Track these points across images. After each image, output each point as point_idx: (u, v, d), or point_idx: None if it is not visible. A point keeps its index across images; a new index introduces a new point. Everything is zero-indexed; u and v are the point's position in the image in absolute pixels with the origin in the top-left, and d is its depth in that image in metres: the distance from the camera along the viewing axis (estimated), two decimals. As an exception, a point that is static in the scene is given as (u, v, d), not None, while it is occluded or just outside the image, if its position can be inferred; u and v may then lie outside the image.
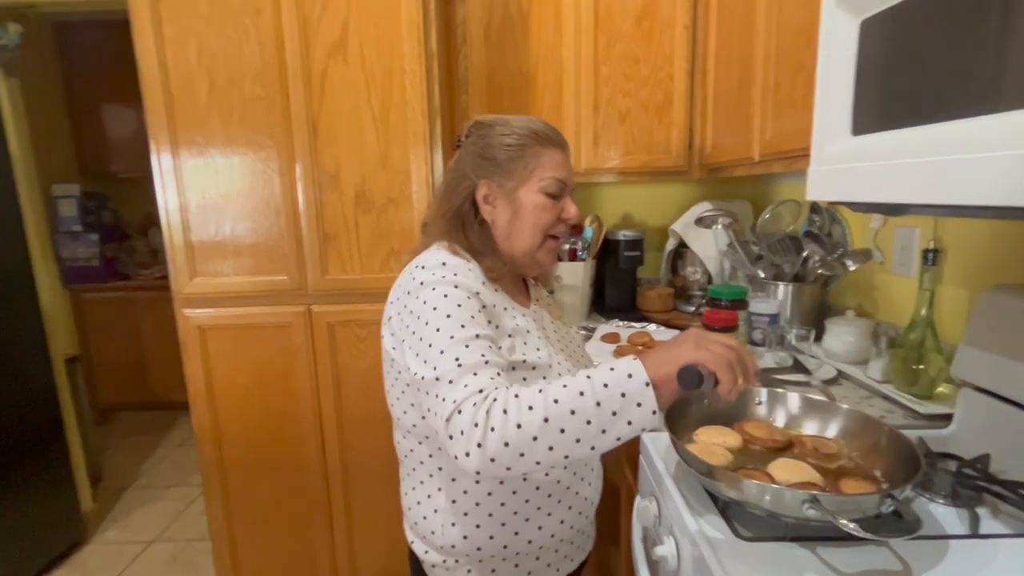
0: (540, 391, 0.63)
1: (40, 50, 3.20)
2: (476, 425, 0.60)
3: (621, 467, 1.34)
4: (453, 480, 0.80)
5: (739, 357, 0.65)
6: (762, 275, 1.51)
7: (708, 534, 0.70)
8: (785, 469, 0.75)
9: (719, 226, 1.54)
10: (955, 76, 0.63)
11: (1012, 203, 0.55)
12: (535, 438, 0.60)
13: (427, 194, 1.35)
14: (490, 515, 0.79)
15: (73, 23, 3.19)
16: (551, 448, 0.61)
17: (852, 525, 0.59)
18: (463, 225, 0.84)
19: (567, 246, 1.76)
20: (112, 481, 2.70)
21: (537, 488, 0.80)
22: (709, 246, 1.69)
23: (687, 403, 0.89)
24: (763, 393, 0.90)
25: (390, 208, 1.36)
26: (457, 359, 0.67)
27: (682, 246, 1.79)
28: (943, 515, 0.74)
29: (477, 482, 0.79)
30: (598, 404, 0.61)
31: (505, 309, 0.82)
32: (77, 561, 2.10)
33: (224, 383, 1.45)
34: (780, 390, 0.90)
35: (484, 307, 0.76)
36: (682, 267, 1.81)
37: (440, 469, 0.81)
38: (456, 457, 0.62)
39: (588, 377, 0.63)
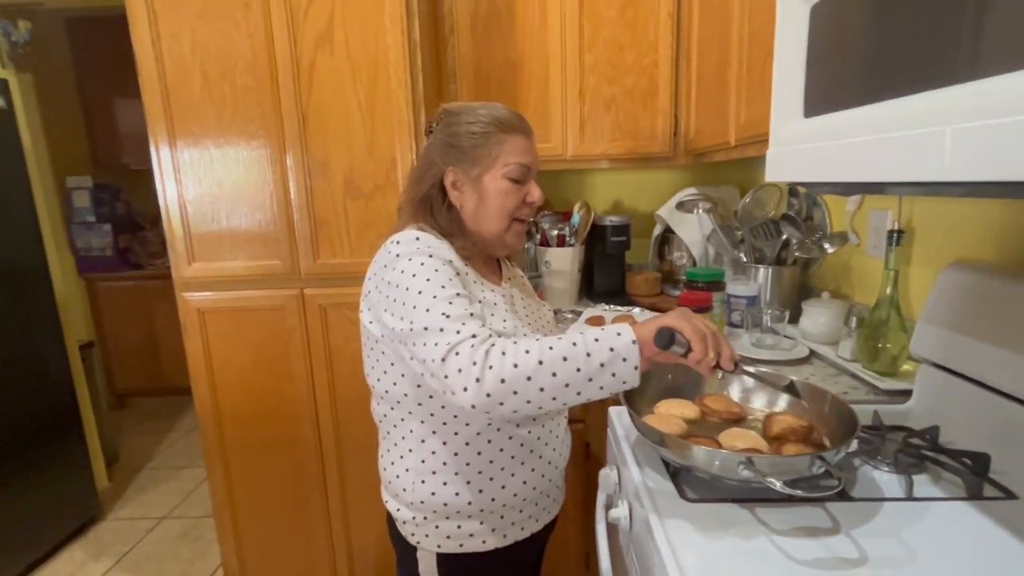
0: (536, 339, 0.70)
1: (53, 46, 3.30)
2: (475, 364, 0.67)
3: (603, 442, 1.39)
4: (423, 441, 0.86)
5: (715, 335, 0.72)
6: (744, 259, 1.54)
7: (657, 497, 0.75)
8: (733, 437, 0.79)
9: (699, 210, 1.56)
10: (894, 59, 0.66)
11: (947, 178, 0.58)
12: (529, 378, 0.67)
13: (412, 181, 1.40)
14: (456, 474, 0.85)
15: (84, 19, 3.27)
16: (542, 389, 0.67)
17: (779, 484, 0.63)
18: (431, 209, 0.89)
19: (555, 232, 1.80)
20: (128, 462, 2.82)
21: (501, 450, 0.86)
22: (694, 231, 1.71)
23: (648, 378, 0.93)
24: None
25: (377, 195, 1.40)
26: (444, 313, 0.73)
27: (668, 231, 1.82)
28: (885, 480, 0.77)
29: (444, 443, 0.85)
30: (588, 355, 0.68)
31: (474, 283, 0.86)
32: (93, 535, 2.21)
33: (223, 364, 1.52)
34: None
35: (458, 274, 0.81)
36: (668, 252, 1.84)
37: (411, 431, 0.87)
38: (453, 393, 0.68)
39: (581, 333, 0.71)
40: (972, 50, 0.53)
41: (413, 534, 0.90)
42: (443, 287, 0.76)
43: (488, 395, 0.67)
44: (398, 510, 0.90)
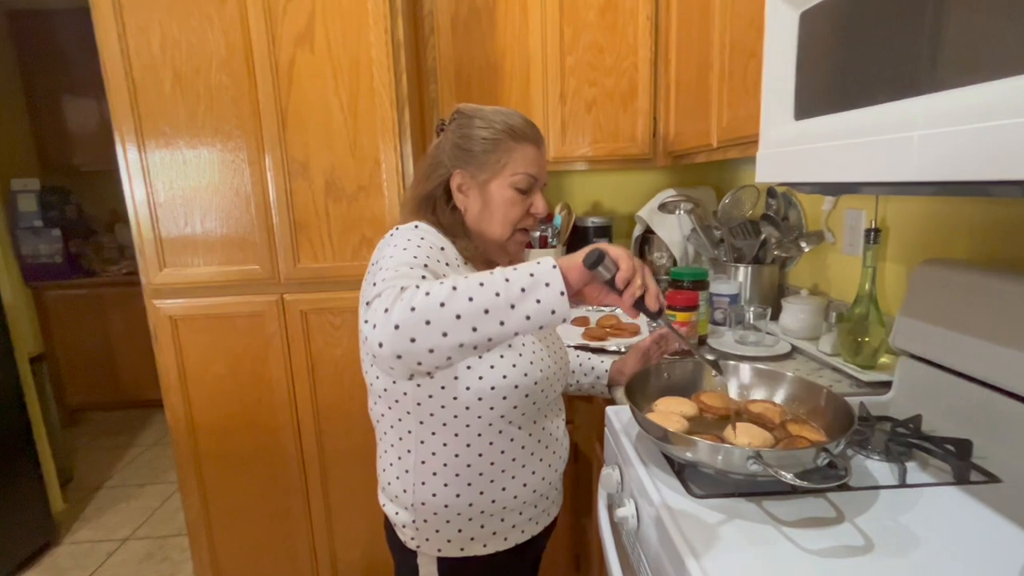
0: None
1: (-6, 40, 3.10)
2: (387, 299, 0.62)
3: (592, 443, 1.40)
4: (422, 442, 0.84)
5: (644, 267, 0.68)
6: (723, 258, 1.58)
7: (664, 494, 0.75)
8: (735, 431, 0.81)
9: (681, 211, 1.59)
10: (884, 64, 0.68)
11: (932, 178, 0.60)
12: (443, 304, 0.60)
13: (397, 182, 1.37)
14: (457, 475, 0.84)
15: (30, 12, 3.08)
16: (459, 316, 0.60)
17: (789, 475, 0.65)
18: (434, 208, 0.88)
19: (537, 233, 1.80)
20: (84, 482, 2.66)
21: (502, 452, 0.85)
22: (674, 231, 1.75)
23: (647, 376, 0.95)
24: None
25: (360, 196, 1.37)
26: (397, 271, 0.70)
27: (649, 232, 1.84)
28: (877, 469, 0.80)
29: (445, 444, 0.83)
30: (507, 280, 0.62)
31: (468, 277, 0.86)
32: (48, 562, 2.08)
33: (197, 374, 1.45)
34: (732, 362, 0.95)
35: (448, 264, 0.80)
36: (649, 252, 1.87)
37: (410, 432, 0.85)
38: (367, 338, 0.62)
39: (500, 268, 0.66)
40: (950, 60, 0.57)
41: (413, 538, 0.88)
42: (415, 257, 0.73)
43: (397, 327, 0.59)
44: (396, 514, 0.88)
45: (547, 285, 0.62)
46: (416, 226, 0.83)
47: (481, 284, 0.62)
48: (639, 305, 0.68)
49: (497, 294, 0.61)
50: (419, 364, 0.62)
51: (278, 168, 1.36)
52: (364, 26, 1.30)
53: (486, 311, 0.61)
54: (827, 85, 0.79)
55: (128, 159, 1.34)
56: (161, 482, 2.61)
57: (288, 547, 1.56)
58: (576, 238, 1.84)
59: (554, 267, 0.63)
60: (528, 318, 0.62)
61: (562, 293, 0.63)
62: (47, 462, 2.22)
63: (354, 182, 1.37)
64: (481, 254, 0.91)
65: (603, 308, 1.70)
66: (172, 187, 1.36)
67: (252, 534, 1.55)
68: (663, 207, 1.63)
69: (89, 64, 2.98)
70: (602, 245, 0.68)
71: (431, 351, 0.60)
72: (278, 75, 1.31)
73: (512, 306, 0.61)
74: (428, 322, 0.59)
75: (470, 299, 0.61)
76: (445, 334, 0.60)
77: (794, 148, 0.85)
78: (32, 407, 2.14)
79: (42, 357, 2.48)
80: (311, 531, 1.54)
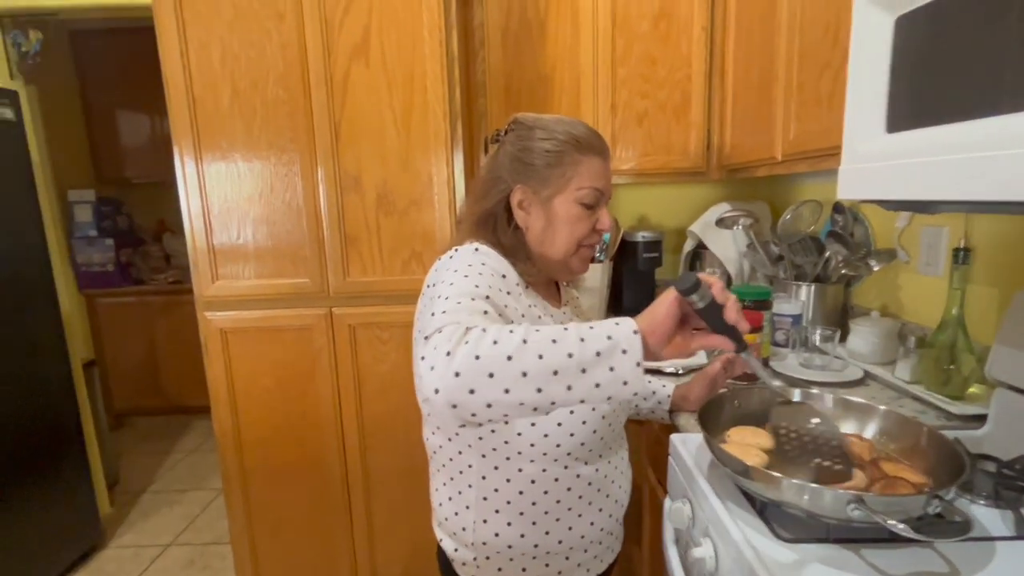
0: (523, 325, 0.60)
1: (56, 58, 3.24)
2: (450, 340, 0.56)
3: (643, 467, 1.34)
4: (483, 478, 0.80)
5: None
6: (783, 276, 1.50)
7: (749, 536, 0.70)
8: (823, 470, 0.74)
9: (740, 227, 1.53)
10: (992, 72, 0.63)
11: None
12: (509, 357, 0.54)
13: (449, 196, 1.35)
14: (521, 513, 0.79)
15: (89, 31, 3.23)
16: (524, 374, 0.54)
17: (902, 526, 0.58)
18: (494, 227, 0.84)
19: (584, 248, 1.76)
20: (128, 485, 2.71)
21: (569, 489, 0.80)
22: (728, 247, 1.68)
23: (720, 404, 0.89)
24: (796, 393, 0.89)
25: (412, 210, 1.36)
26: (459, 302, 0.65)
27: (700, 247, 1.78)
28: (985, 516, 0.73)
29: (508, 480, 0.79)
30: (582, 340, 0.56)
31: (531, 306, 0.82)
32: (96, 565, 2.11)
33: (245, 386, 1.46)
34: (815, 391, 0.89)
35: (509, 292, 0.76)
36: (700, 268, 1.81)
37: (470, 466, 0.81)
38: (421, 377, 0.56)
39: (576, 324, 0.60)
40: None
41: (473, 576, 0.84)
42: (476, 286, 0.69)
43: (457, 374, 0.53)
44: (456, 551, 0.84)
45: (624, 352, 0.56)
46: (477, 249, 0.78)
47: (554, 341, 0.56)
48: (732, 332, 0.63)
49: (569, 355, 0.56)
50: (473, 416, 0.56)
51: (330, 181, 1.35)
52: (419, 39, 1.29)
53: (555, 372, 0.55)
54: (925, 95, 0.74)
55: (186, 173, 1.36)
56: (201, 488, 2.64)
57: (330, 564, 1.54)
58: (624, 253, 1.79)
59: (635, 332, 0.57)
60: (598, 386, 0.56)
61: (638, 364, 0.57)
62: (96, 466, 2.28)
63: (405, 196, 1.36)
64: (543, 277, 0.87)
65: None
66: (227, 200, 1.37)
67: (294, 549, 1.54)
68: (721, 222, 1.57)
69: (142, 81, 3.10)
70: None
71: (489, 406, 0.55)
72: (333, 88, 1.31)
73: (583, 370, 0.56)
74: (491, 375, 0.54)
75: (540, 356, 0.55)
76: (507, 391, 0.55)
77: (885, 163, 0.79)
78: (84, 412, 2.20)
79: (94, 363, 2.55)
80: (353, 549, 1.52)
